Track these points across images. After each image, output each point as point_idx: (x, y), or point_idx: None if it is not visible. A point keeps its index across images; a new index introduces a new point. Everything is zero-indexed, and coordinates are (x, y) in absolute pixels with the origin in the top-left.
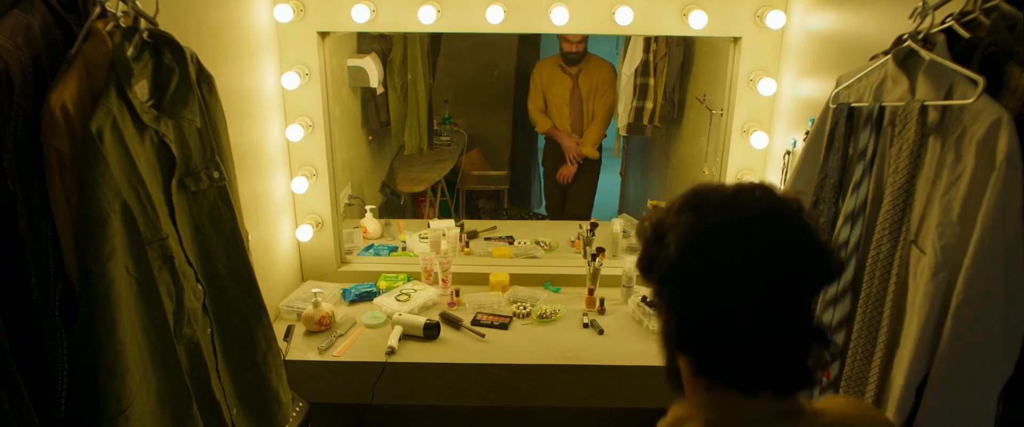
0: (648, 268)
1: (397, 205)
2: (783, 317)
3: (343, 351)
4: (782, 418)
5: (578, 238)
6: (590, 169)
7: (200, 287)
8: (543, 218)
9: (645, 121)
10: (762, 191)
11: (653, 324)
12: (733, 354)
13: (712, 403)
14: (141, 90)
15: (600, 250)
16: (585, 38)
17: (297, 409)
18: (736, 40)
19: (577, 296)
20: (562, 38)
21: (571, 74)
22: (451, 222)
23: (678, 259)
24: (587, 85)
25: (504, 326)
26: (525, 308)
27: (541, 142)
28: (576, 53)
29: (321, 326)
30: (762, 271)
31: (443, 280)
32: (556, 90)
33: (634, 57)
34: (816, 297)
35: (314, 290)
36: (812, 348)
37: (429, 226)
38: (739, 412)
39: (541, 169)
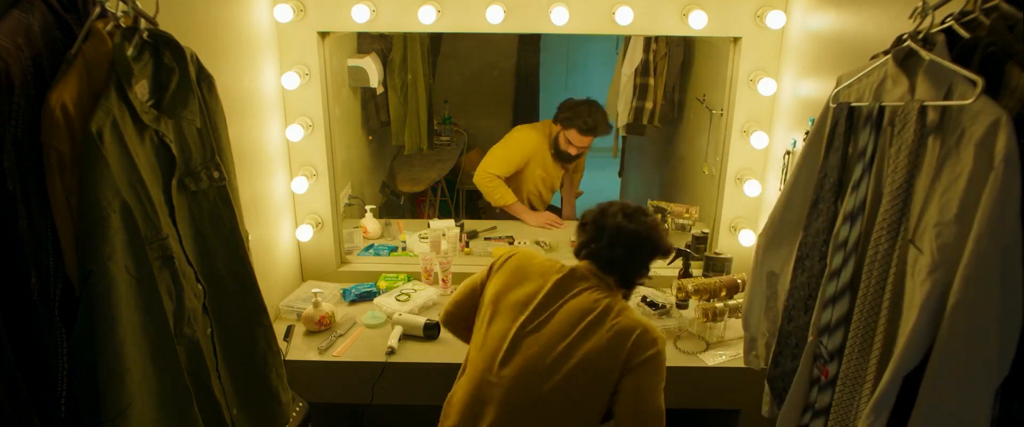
0: (581, 221)
1: (397, 205)
2: (629, 254)
3: (343, 351)
4: (612, 293)
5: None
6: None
7: (200, 287)
8: None
9: (645, 121)
10: (640, 208)
11: (653, 323)
12: (604, 260)
13: (591, 272)
14: (141, 90)
15: None
16: (591, 144)
17: (297, 409)
18: (736, 40)
19: None
20: (568, 144)
21: (566, 167)
22: (451, 222)
23: (590, 217)
24: (574, 167)
25: None
26: None
27: None
28: (577, 156)
29: (321, 326)
30: (623, 231)
31: (443, 280)
32: (547, 175)
33: (634, 57)
34: (652, 260)
35: (314, 290)
36: (614, 273)
37: (429, 226)
38: (600, 280)
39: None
